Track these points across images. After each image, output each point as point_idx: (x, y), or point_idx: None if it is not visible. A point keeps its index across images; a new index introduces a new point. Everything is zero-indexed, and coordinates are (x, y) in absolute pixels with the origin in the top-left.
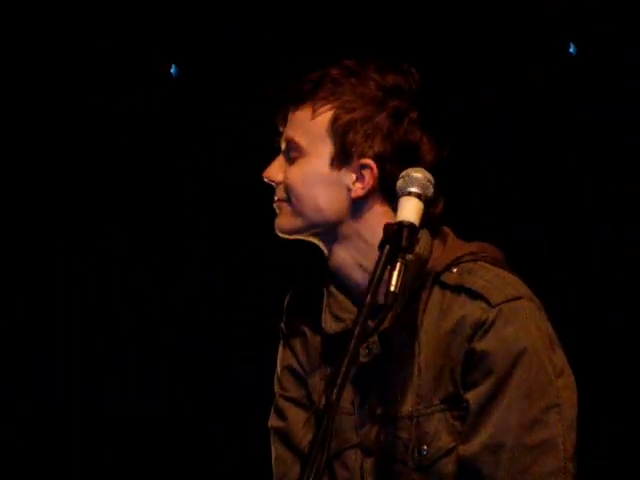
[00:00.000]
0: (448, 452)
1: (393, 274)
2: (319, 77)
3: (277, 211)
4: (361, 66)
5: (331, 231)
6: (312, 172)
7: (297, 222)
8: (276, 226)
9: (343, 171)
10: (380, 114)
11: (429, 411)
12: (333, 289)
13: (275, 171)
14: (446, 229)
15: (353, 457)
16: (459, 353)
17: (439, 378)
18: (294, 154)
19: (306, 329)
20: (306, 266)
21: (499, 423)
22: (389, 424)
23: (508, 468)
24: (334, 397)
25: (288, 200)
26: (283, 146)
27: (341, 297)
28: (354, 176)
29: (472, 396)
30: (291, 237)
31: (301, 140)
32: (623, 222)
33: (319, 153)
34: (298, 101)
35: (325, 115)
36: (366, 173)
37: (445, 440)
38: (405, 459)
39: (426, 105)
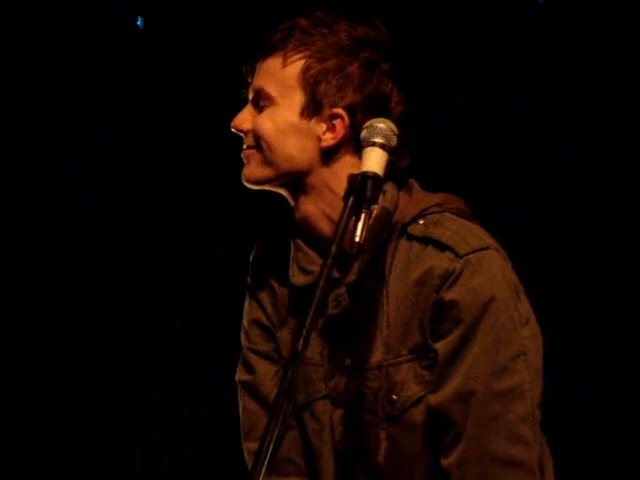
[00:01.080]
0: (417, 402)
1: (358, 225)
2: (290, 27)
3: (245, 161)
4: (332, 18)
5: (299, 181)
6: (282, 121)
7: (266, 171)
8: (244, 176)
9: (314, 121)
10: (352, 64)
11: (398, 361)
12: (300, 242)
13: (243, 120)
14: (412, 181)
15: (322, 408)
16: (427, 303)
17: (407, 329)
18: (263, 103)
19: (273, 282)
20: (271, 219)
21: (468, 371)
22: (358, 375)
23: (478, 416)
24: (300, 347)
25: (258, 148)
26: (251, 96)
27: (308, 250)
28: (324, 126)
29: (441, 346)
30: (258, 187)
31: (271, 89)
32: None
33: (289, 102)
34: (268, 51)
35: (296, 64)
36: (337, 123)
37: (414, 390)
38: (374, 409)
39: (395, 59)
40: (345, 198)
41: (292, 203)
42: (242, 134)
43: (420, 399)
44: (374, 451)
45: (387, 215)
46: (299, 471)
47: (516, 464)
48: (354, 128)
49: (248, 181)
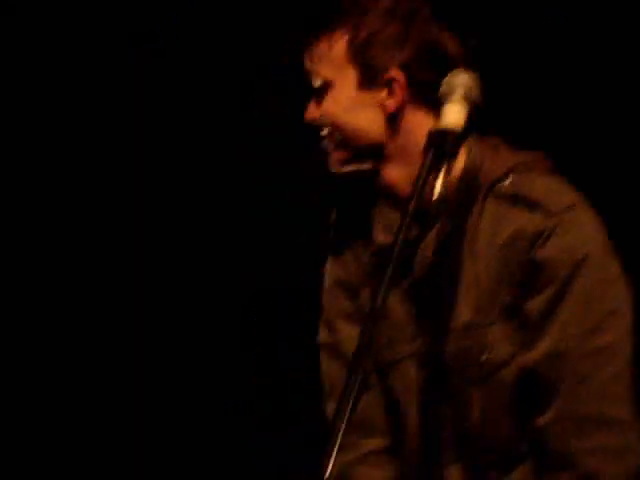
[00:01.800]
0: (507, 362)
1: (437, 181)
2: (327, 10)
3: (326, 150)
4: None
5: (378, 152)
6: (344, 99)
7: (345, 154)
8: (328, 166)
9: (372, 90)
10: (391, 23)
11: (488, 321)
12: (383, 204)
13: (311, 112)
14: (496, 138)
15: (408, 368)
16: (518, 263)
17: (497, 289)
18: (323, 88)
19: (356, 243)
20: (351, 184)
21: (560, 330)
22: (446, 335)
23: (570, 375)
24: (379, 303)
25: (331, 134)
26: (313, 83)
27: (391, 211)
28: (384, 92)
29: (532, 305)
30: (345, 171)
31: (326, 73)
32: None
33: (345, 80)
34: (314, 37)
35: (341, 42)
36: (395, 86)
37: (504, 350)
38: (463, 370)
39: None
40: (424, 154)
41: (375, 173)
42: (316, 124)
43: (510, 360)
44: (462, 411)
45: (472, 173)
46: (381, 431)
47: (610, 422)
48: (415, 85)
49: (333, 168)
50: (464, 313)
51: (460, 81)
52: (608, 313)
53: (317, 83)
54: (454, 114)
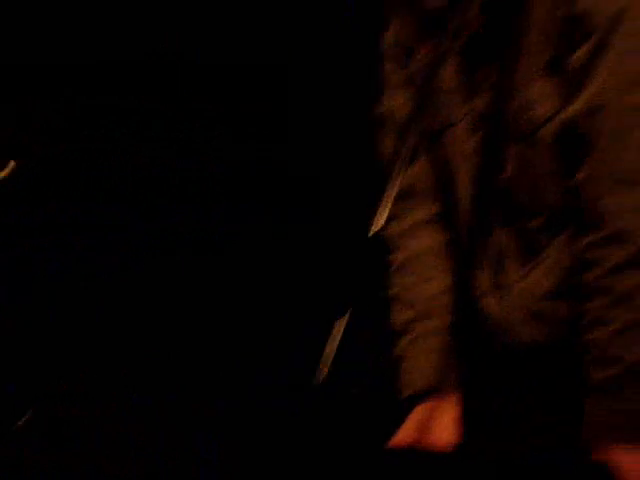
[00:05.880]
0: (551, 118)
1: None
2: None
3: None
4: None
5: None
6: None
7: None
8: None
9: None
10: None
11: (532, 77)
12: None
13: None
14: None
15: (460, 133)
16: (561, 16)
17: (541, 44)
18: None
19: (411, 6)
20: None
21: (600, 83)
22: (494, 95)
23: (609, 129)
24: (435, 66)
25: None
26: None
27: None
28: None
29: (573, 59)
30: None
31: None
32: None
33: None
34: None
35: None
36: None
37: (547, 107)
38: (509, 128)
39: None
40: None
41: None
42: None
43: (553, 116)
44: (501, 170)
45: None
46: (431, 199)
47: None
48: None
49: None
50: (517, 71)
51: None
52: None
53: None
54: None
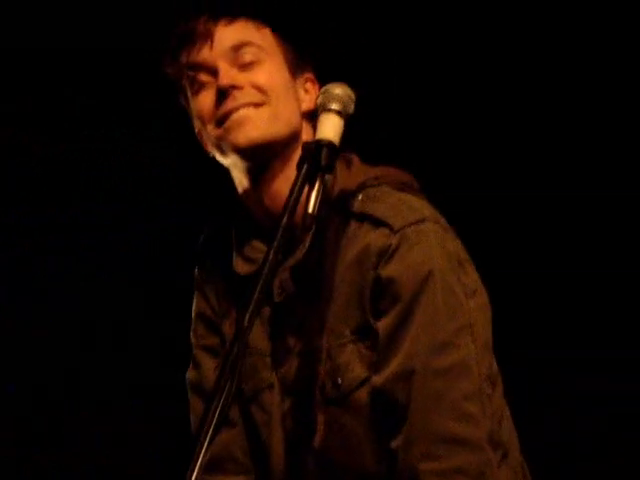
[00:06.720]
0: (362, 383)
1: (311, 195)
2: None
3: (243, 120)
4: None
5: (280, 151)
6: (281, 74)
7: (276, 127)
8: (248, 135)
9: (297, 81)
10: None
11: (341, 342)
12: (243, 230)
13: (233, 75)
14: (351, 154)
15: (270, 398)
16: (366, 282)
17: (348, 309)
18: (252, 57)
19: (218, 273)
20: (215, 207)
21: (408, 350)
22: (304, 360)
23: (420, 394)
24: (245, 323)
25: (264, 103)
26: (230, 55)
27: (252, 238)
28: (302, 89)
29: (381, 325)
30: (261, 143)
31: (259, 42)
32: None
33: (277, 59)
34: (231, 16)
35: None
36: (309, 87)
37: (358, 371)
38: (320, 393)
39: None
40: (299, 166)
41: (254, 182)
42: (235, 90)
43: (365, 380)
44: (315, 436)
45: (327, 191)
46: (243, 469)
47: (461, 442)
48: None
49: (255, 140)
50: (320, 336)
51: (337, 92)
52: (458, 329)
53: (243, 51)
54: (331, 125)
